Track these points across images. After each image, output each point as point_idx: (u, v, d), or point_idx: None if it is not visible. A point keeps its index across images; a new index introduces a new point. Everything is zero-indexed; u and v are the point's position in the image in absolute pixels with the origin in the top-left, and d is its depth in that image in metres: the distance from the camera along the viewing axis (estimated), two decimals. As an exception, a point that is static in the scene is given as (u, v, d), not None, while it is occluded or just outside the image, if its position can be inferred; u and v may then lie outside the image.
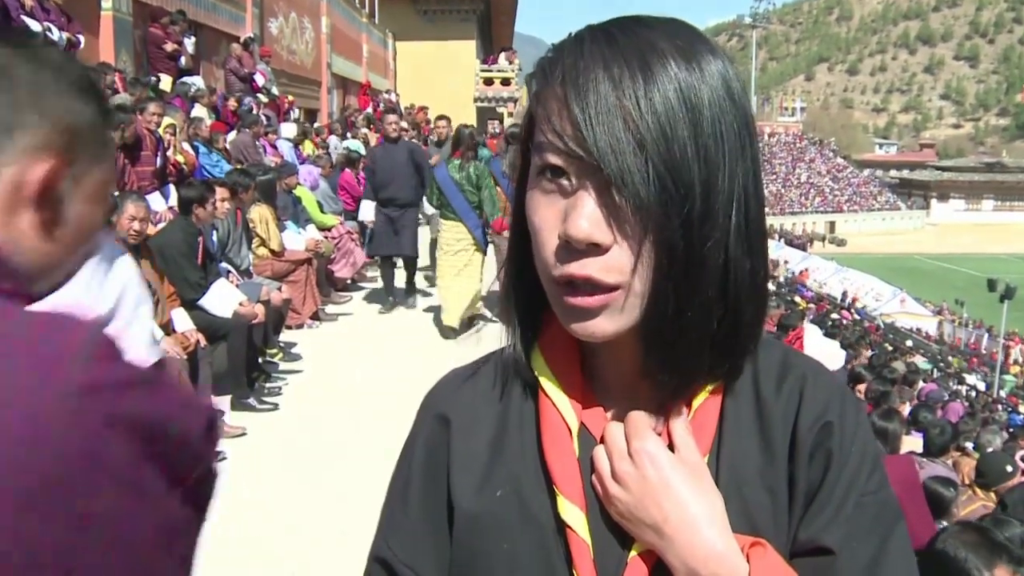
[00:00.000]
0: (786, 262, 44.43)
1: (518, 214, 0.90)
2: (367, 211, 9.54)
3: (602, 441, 0.86)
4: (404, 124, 9.12)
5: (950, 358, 31.97)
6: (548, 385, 0.90)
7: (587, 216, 0.77)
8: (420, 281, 10.30)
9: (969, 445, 8.26)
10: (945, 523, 4.79)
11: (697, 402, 0.86)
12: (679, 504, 0.79)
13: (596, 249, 0.77)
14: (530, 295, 0.91)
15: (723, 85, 0.79)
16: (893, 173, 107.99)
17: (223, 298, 6.25)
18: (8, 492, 0.66)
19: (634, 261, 0.77)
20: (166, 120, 8.50)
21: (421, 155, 9.50)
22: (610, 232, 0.77)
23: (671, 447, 0.84)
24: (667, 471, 0.80)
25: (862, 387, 8.59)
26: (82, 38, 9.42)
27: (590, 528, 0.84)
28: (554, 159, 0.79)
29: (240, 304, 6.30)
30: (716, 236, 0.78)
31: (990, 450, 7.70)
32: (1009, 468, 6.08)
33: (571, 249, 0.78)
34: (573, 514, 0.84)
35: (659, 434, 0.85)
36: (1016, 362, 33.44)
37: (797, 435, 0.84)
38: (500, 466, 0.90)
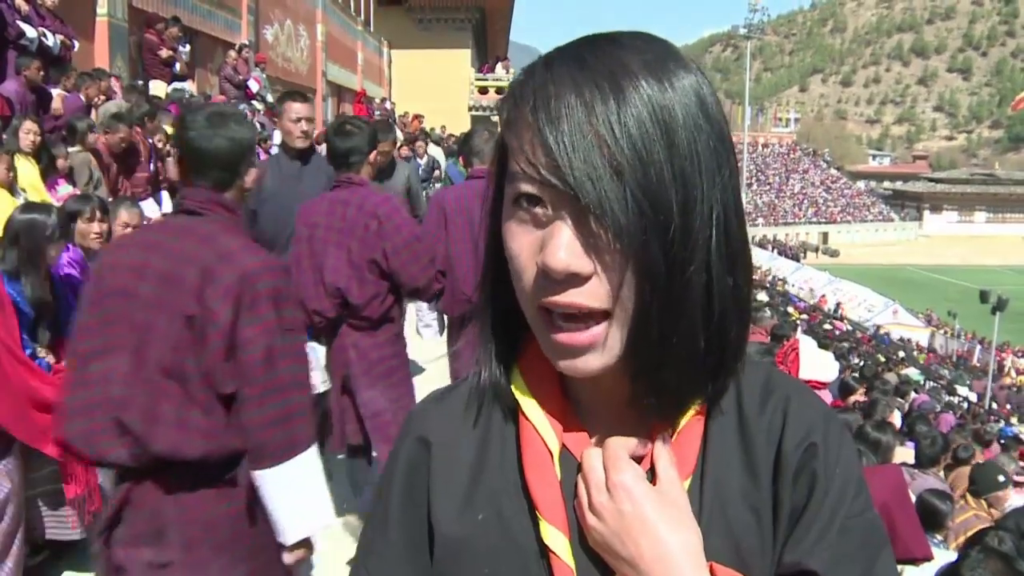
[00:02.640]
0: (786, 281, 44.41)
1: (491, 240, 0.89)
2: None
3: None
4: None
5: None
6: (528, 407, 0.88)
7: (565, 246, 0.75)
8: None
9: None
10: (939, 536, 4.81)
11: (681, 423, 0.85)
12: (655, 540, 0.78)
13: (576, 279, 0.76)
14: (506, 316, 0.90)
15: (696, 100, 0.78)
16: (886, 184, 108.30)
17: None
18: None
19: (615, 290, 0.76)
20: (167, 128, 8.52)
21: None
22: (590, 261, 0.76)
23: (653, 470, 0.83)
24: (644, 506, 0.79)
25: (853, 398, 8.60)
26: (76, 41, 9.43)
27: (573, 553, 0.83)
28: (529, 188, 0.77)
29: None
30: (697, 257, 0.77)
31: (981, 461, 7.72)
32: (1000, 478, 6.11)
33: (551, 280, 0.77)
34: (556, 539, 0.82)
35: (642, 457, 0.83)
36: (1009, 374, 33.50)
37: (781, 456, 0.84)
38: (481, 489, 0.89)
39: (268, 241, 4.57)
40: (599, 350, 0.78)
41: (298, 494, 2.32)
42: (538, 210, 0.78)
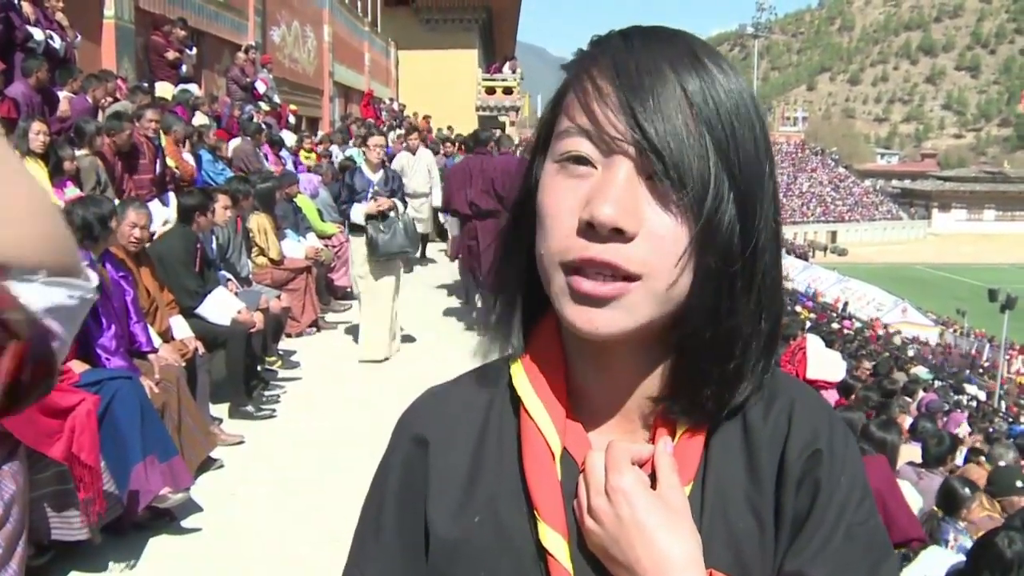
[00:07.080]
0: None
1: (508, 227, 0.88)
2: None
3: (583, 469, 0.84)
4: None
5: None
6: (531, 405, 0.86)
7: (614, 200, 0.73)
8: None
9: (982, 458, 8.34)
10: (962, 524, 4.88)
11: (682, 427, 0.83)
12: (653, 546, 0.76)
13: (618, 236, 0.74)
14: (518, 308, 0.89)
15: (749, 96, 0.79)
16: (895, 183, 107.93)
17: (221, 306, 6.24)
18: None
19: (663, 258, 0.75)
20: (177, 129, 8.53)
21: None
22: (637, 221, 0.74)
23: (655, 475, 0.81)
24: (642, 512, 0.77)
25: (861, 396, 8.57)
26: (79, 40, 9.45)
27: (571, 556, 0.81)
28: (579, 146, 0.77)
29: (238, 312, 6.29)
30: (760, 243, 0.78)
31: (1002, 463, 7.78)
32: (1019, 483, 6.10)
33: (590, 234, 0.75)
34: (555, 541, 0.81)
35: (644, 462, 0.82)
36: (1019, 372, 33.35)
37: (785, 462, 0.82)
38: (479, 490, 0.87)
39: None
40: (621, 307, 0.76)
41: None
42: (583, 169, 0.77)
